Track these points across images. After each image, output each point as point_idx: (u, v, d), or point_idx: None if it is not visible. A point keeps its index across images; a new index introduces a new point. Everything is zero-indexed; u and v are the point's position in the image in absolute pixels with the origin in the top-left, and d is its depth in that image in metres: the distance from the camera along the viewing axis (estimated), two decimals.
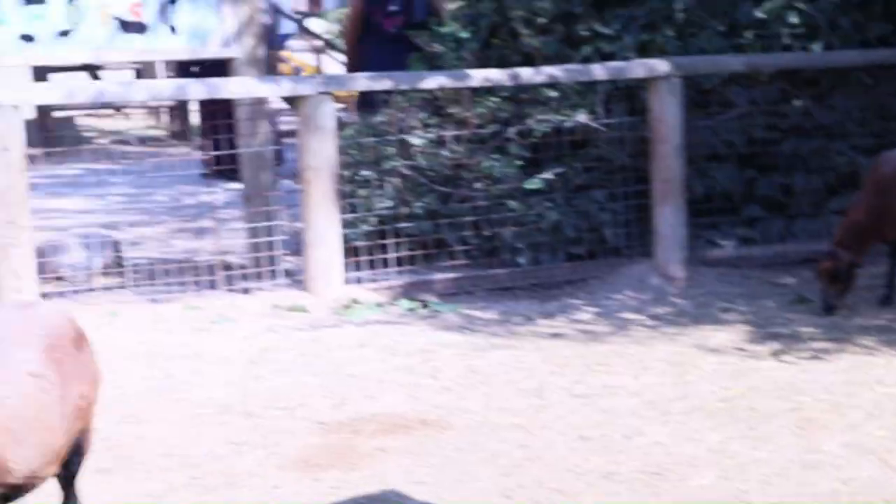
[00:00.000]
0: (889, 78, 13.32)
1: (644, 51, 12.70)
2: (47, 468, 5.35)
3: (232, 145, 11.98)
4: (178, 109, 24.26)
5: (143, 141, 23.05)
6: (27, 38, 11.30)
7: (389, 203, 12.22)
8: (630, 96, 12.76)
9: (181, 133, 23.73)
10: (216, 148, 12.26)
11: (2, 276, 10.64)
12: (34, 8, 11.28)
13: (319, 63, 26.09)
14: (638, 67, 11.98)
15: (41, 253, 11.68)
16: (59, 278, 11.87)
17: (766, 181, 12.81)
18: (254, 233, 11.88)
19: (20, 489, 5.23)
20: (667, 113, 11.87)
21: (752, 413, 7.99)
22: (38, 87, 11.60)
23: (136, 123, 26.43)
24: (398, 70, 12.58)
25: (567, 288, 11.78)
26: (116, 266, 12.27)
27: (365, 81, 12.19)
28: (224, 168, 12.50)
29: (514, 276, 11.99)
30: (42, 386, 5.21)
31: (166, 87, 12.04)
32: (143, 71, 25.63)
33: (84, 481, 7.05)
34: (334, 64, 26.46)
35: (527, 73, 11.99)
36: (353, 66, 14.70)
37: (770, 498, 6.62)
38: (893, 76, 13.32)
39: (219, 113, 11.89)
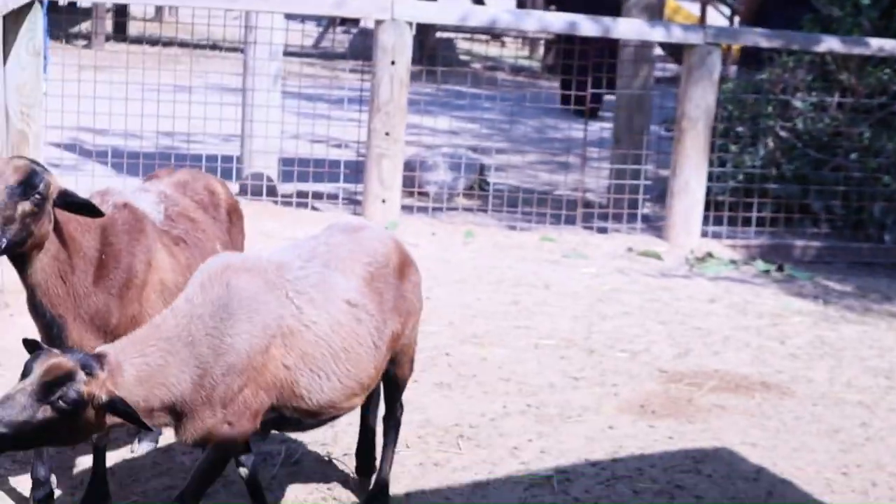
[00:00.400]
0: None
1: None
2: (349, 400, 5.13)
3: (597, 84, 11.93)
4: (555, 43, 24.38)
5: (516, 70, 23.29)
6: None
7: (760, 162, 11.98)
8: None
9: (554, 67, 23.88)
10: (580, 87, 12.22)
11: (371, 183, 11.00)
12: None
13: (704, 14, 25.74)
14: None
15: (409, 166, 12.01)
16: (422, 193, 12.16)
17: None
18: (619, 174, 11.86)
19: (315, 415, 5.05)
20: None
21: None
22: (433, 7, 11.81)
23: (512, 52, 26.73)
24: (792, 28, 12.26)
25: None
26: (479, 189, 12.47)
27: (757, 37, 11.91)
28: (584, 107, 12.47)
29: (877, 253, 11.58)
30: (358, 316, 5.05)
31: (557, 21, 12.09)
32: (526, 2, 25.94)
33: (424, 393, 7.27)
34: (719, 16, 26.11)
35: None
36: (749, 19, 14.42)
37: None
38: None
39: (587, 52, 11.84)
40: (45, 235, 4.97)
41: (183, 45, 17.81)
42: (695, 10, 26.81)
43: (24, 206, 4.85)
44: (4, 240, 4.82)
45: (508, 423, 6.92)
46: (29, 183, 4.85)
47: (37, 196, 4.86)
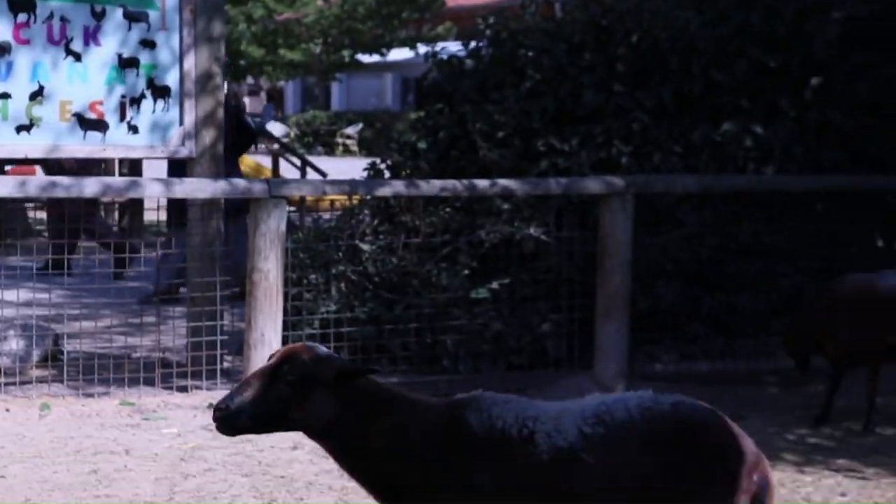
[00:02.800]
0: (840, 204, 13.43)
1: (599, 167, 12.78)
2: None
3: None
4: (132, 207, 24.15)
5: None
6: None
7: (334, 307, 12.19)
8: (582, 211, 12.82)
9: (132, 230, 23.66)
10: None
11: None
12: None
13: (277, 167, 26.20)
14: (593, 183, 11.98)
15: None
16: None
17: (710, 299, 12.85)
18: (195, 331, 11.80)
19: None
20: (617, 229, 11.88)
21: None
22: None
23: None
24: None
25: None
26: (54, 359, 12.13)
27: (319, 186, 12.21)
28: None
29: (454, 384, 11.91)
30: None
31: (120, 183, 12.02)
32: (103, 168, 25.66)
33: None
34: (291, 168, 26.62)
35: (483, 185, 11.97)
36: None
37: None
38: (844, 203, 13.44)
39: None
40: None
41: None
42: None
43: None
44: None
45: None
46: None
47: None
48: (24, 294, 12.46)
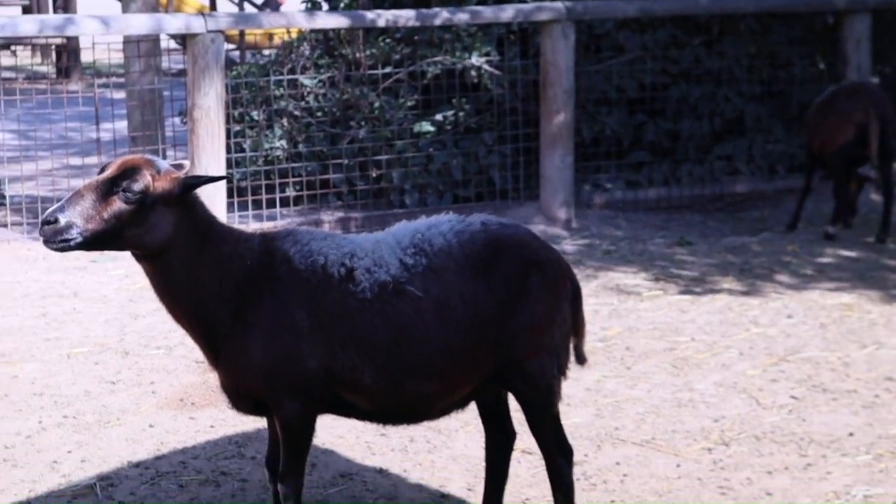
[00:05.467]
0: (779, 26, 13.42)
1: None
2: None
3: None
4: (67, 47, 23.82)
5: (30, 78, 22.60)
6: None
7: (277, 143, 12.13)
8: (523, 40, 12.75)
9: (67, 70, 23.37)
10: None
11: None
12: None
13: (214, 2, 25.76)
14: (534, 10, 11.90)
15: None
16: None
17: (654, 126, 12.89)
18: None
19: None
20: (559, 56, 11.84)
21: (629, 353, 8.07)
22: None
23: (23, 61, 25.93)
24: None
25: None
26: None
27: (257, 19, 12.04)
28: None
29: (400, 218, 11.93)
30: None
31: (57, 21, 11.78)
32: (32, 7, 25.29)
33: None
34: (228, 3, 26.21)
35: (425, 14, 11.85)
36: None
37: (643, 435, 6.68)
38: (783, 24, 13.43)
39: None
40: None
41: None
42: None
43: None
44: None
45: (45, 438, 6.75)
46: None
47: None
48: None
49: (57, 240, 4.70)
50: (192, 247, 4.90)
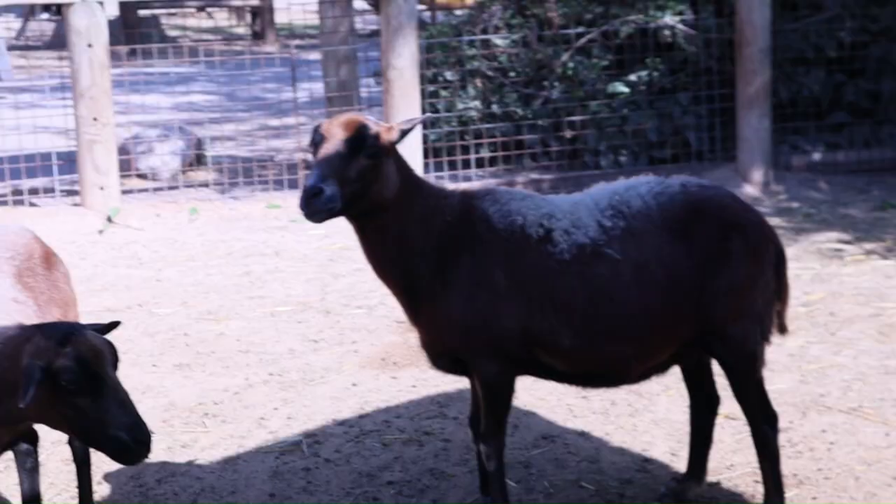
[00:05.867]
0: None
1: None
2: None
3: None
4: (262, 8, 24.22)
5: (228, 40, 23.05)
6: None
7: (471, 104, 12.16)
8: None
9: (262, 32, 23.74)
10: None
11: (85, 171, 10.77)
12: None
13: None
14: None
15: (124, 150, 11.79)
16: (141, 175, 11.96)
17: (853, 86, 12.58)
18: None
19: None
20: (754, 15, 11.66)
21: (833, 318, 7.92)
22: None
23: (220, 23, 26.43)
24: None
25: None
26: (199, 164, 12.33)
27: None
28: None
29: (596, 179, 11.90)
30: (26, 313, 4.61)
31: None
32: None
33: (164, 375, 7.20)
34: None
35: None
36: None
37: (850, 403, 6.56)
38: None
39: None
40: None
41: None
42: None
43: None
44: None
45: (252, 395, 6.92)
46: None
47: None
48: (167, 100, 12.62)
49: (325, 209, 4.67)
50: (406, 200, 4.90)
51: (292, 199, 11.32)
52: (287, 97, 13.43)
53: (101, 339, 4.13)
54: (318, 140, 4.79)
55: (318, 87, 13.17)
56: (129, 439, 4.05)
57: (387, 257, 4.98)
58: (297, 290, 8.83)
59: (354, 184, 4.70)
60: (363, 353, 7.53)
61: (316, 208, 4.65)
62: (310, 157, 11.95)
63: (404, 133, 4.86)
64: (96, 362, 4.04)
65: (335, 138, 4.73)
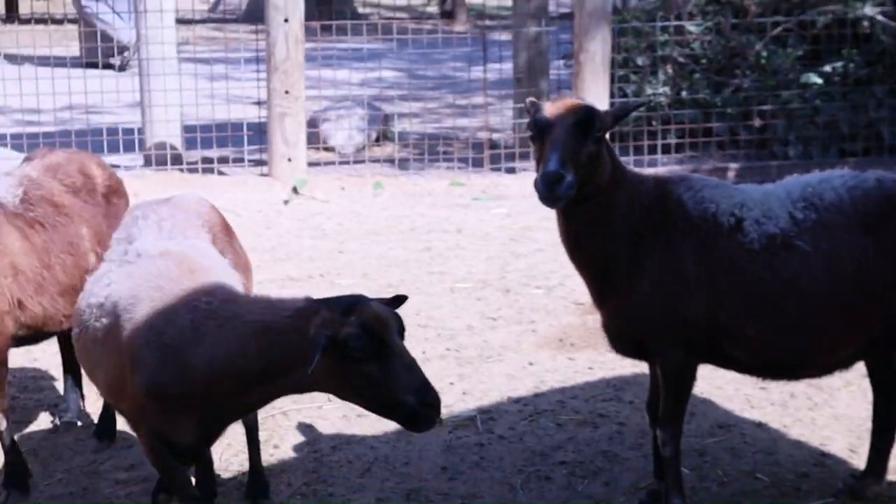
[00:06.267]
0: None
1: None
2: None
3: None
4: None
5: (417, 18, 23.19)
6: None
7: (661, 90, 12.06)
8: None
9: (452, 11, 23.85)
10: None
11: (275, 143, 10.96)
12: None
13: None
14: None
15: (313, 123, 11.96)
16: (328, 148, 12.13)
17: None
18: (522, 113, 11.86)
19: None
20: None
21: None
22: None
23: (412, 1, 26.61)
24: None
25: None
26: (385, 139, 12.45)
27: None
28: None
29: (784, 169, 11.71)
30: (237, 278, 4.79)
31: None
32: None
33: None
34: None
35: None
36: None
37: None
38: None
39: None
40: None
41: (73, 20, 17.57)
42: None
43: None
44: None
45: (429, 369, 6.90)
46: None
47: None
48: (357, 75, 12.76)
49: (566, 196, 4.63)
50: (614, 185, 4.87)
51: (476, 177, 11.38)
52: (475, 77, 13.47)
53: (385, 308, 4.25)
54: (542, 123, 4.72)
55: (507, 68, 13.16)
56: (416, 402, 4.16)
57: (588, 241, 4.94)
58: (477, 267, 8.86)
59: (584, 169, 4.67)
60: (541, 332, 7.52)
61: (558, 195, 4.61)
62: (496, 136, 12.03)
63: (618, 118, 4.85)
64: (381, 329, 4.16)
65: (566, 122, 4.68)
